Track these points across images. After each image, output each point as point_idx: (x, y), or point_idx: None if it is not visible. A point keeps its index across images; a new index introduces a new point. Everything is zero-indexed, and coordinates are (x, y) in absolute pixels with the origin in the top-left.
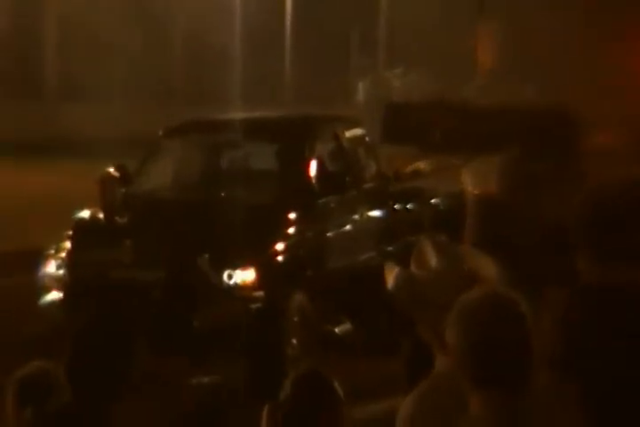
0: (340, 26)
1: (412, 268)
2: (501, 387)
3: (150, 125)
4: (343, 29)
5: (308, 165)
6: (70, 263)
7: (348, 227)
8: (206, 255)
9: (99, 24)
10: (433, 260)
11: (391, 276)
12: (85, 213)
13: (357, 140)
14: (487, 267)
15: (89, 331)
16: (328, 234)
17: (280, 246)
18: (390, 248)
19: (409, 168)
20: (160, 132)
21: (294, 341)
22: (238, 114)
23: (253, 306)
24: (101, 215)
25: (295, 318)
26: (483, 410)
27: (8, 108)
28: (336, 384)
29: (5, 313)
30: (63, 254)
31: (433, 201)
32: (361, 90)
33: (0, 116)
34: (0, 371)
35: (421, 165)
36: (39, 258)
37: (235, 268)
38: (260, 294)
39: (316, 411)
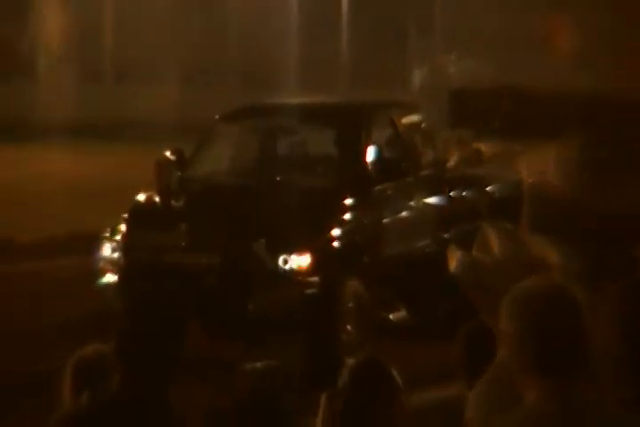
0: (396, 9)
1: (475, 253)
2: (556, 376)
3: (206, 109)
4: (400, 13)
5: (364, 151)
6: (125, 246)
7: (404, 213)
8: (262, 240)
9: (155, 8)
10: (496, 246)
11: (454, 259)
12: (142, 197)
13: (414, 126)
14: (551, 256)
15: (139, 314)
16: (384, 220)
17: (336, 232)
18: (446, 235)
19: (469, 153)
20: (217, 117)
21: (349, 327)
22: (295, 99)
23: (309, 291)
24: (157, 199)
25: (350, 305)
26: (538, 399)
27: (66, 90)
28: (394, 372)
29: (63, 295)
30: (119, 237)
31: (489, 188)
32: (417, 75)
33: (58, 99)
34: (57, 353)
35: (482, 149)
36: (96, 241)
37: (290, 253)
38: (315, 279)
39: (375, 399)
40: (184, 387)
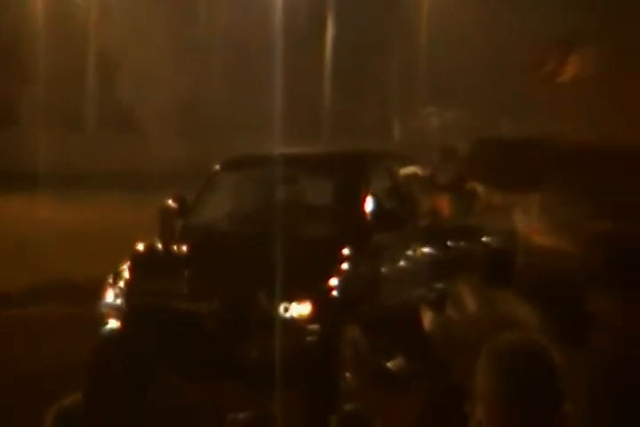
0: (379, 59)
1: (449, 311)
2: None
3: (196, 158)
4: (382, 63)
5: (363, 201)
6: (128, 293)
7: (401, 263)
8: (263, 288)
9: (142, 58)
10: (469, 304)
11: (427, 319)
12: (143, 244)
13: (411, 176)
14: (524, 313)
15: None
16: (382, 269)
17: (335, 281)
18: (442, 285)
19: (480, 204)
20: (216, 166)
21: (347, 374)
22: (293, 149)
23: (309, 339)
24: (159, 246)
25: (349, 352)
26: None
27: (50, 139)
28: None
29: (64, 342)
30: (121, 284)
31: (484, 239)
32: (399, 126)
33: (49, 148)
34: (38, 402)
35: (494, 200)
36: (97, 287)
37: (291, 301)
38: (315, 327)
39: None
40: None
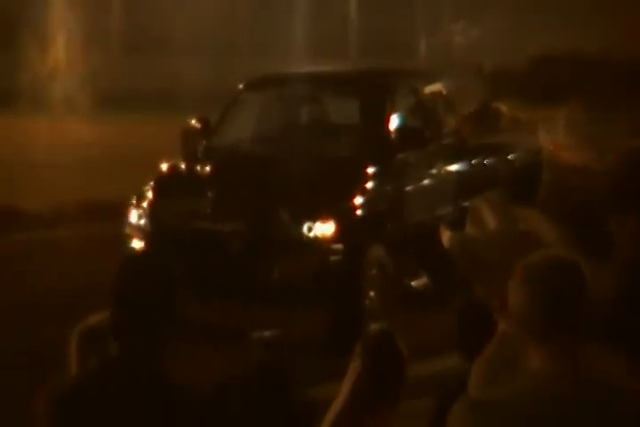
0: None
1: (468, 229)
2: (562, 339)
3: (223, 79)
4: None
5: (388, 120)
6: (152, 213)
7: (426, 181)
8: (286, 208)
9: None
10: (489, 221)
11: (445, 237)
12: (167, 164)
13: (436, 95)
14: (545, 230)
15: (132, 279)
16: (407, 188)
17: (359, 200)
18: (467, 203)
19: (507, 118)
20: (241, 86)
21: (372, 294)
22: (318, 68)
23: (333, 258)
24: (183, 166)
25: (374, 272)
26: (544, 363)
27: (92, 61)
28: (402, 346)
29: (90, 261)
30: (145, 205)
31: (510, 157)
32: (424, 44)
33: (84, 71)
34: (67, 321)
35: (520, 116)
36: (122, 207)
37: (315, 220)
38: (339, 246)
39: (383, 372)
40: (196, 356)
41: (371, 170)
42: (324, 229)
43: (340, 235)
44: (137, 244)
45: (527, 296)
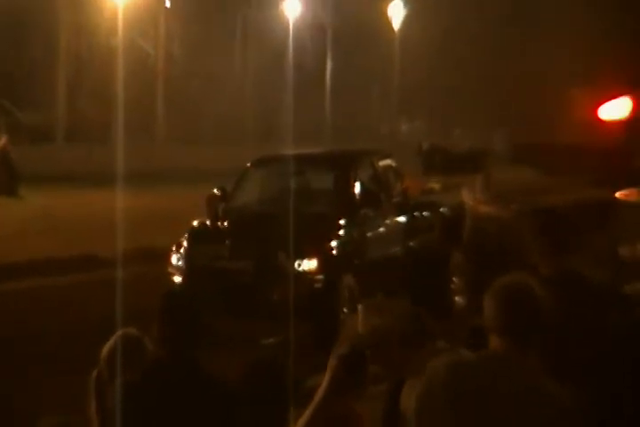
0: (365, 84)
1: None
2: (514, 336)
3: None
4: (367, 86)
5: (353, 186)
6: (187, 257)
7: (381, 229)
8: (282, 250)
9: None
10: (361, 323)
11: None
12: (197, 221)
13: (388, 167)
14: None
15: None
16: (368, 234)
17: (334, 243)
18: (411, 244)
19: (427, 187)
20: (248, 164)
21: (345, 309)
22: (303, 150)
23: (316, 285)
24: (208, 223)
25: (345, 294)
26: (500, 346)
27: (132, 149)
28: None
29: (144, 292)
30: (182, 251)
31: (441, 210)
32: (377, 132)
33: (130, 156)
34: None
35: (434, 185)
36: (166, 253)
37: (302, 258)
38: (320, 277)
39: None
40: (221, 357)
41: (342, 222)
42: (309, 264)
43: (320, 268)
44: (177, 279)
45: (490, 306)
